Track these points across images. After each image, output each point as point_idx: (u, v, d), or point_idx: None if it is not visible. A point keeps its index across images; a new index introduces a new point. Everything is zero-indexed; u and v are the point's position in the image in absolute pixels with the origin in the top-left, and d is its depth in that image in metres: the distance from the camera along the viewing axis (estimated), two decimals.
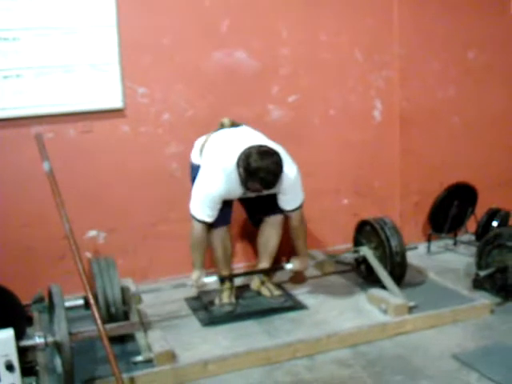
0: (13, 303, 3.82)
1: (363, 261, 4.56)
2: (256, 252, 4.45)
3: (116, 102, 4.45)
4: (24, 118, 4.24)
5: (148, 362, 3.43)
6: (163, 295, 4.36)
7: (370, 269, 4.47)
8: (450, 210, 5.20)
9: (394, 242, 4.33)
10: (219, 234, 4.13)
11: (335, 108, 5.10)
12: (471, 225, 5.31)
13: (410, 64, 5.22)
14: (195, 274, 4.06)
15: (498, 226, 5.04)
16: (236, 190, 3.88)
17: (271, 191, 3.92)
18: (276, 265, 4.40)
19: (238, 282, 4.47)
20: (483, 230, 5.06)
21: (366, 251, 4.49)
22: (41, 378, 3.34)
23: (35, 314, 4.14)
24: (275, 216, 4.23)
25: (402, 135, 5.28)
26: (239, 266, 4.89)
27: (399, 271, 4.35)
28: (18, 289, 3.92)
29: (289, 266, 4.30)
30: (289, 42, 4.84)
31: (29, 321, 4.04)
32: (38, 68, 4.24)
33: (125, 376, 3.22)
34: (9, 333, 3.02)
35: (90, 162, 4.44)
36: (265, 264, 4.33)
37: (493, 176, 5.62)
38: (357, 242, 4.69)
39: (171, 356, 3.46)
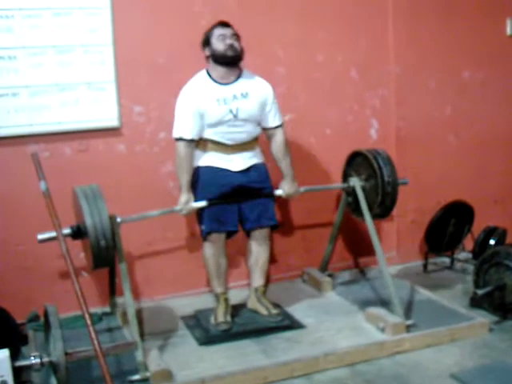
0: (7, 322, 3.80)
1: (352, 193, 4.56)
2: None
3: (112, 121, 4.47)
4: (20, 136, 4.25)
5: (144, 381, 3.41)
6: (160, 313, 4.34)
7: (358, 201, 4.47)
8: (446, 229, 5.19)
9: (386, 172, 4.33)
10: (213, 248, 4.15)
11: (331, 127, 5.12)
12: (468, 243, 5.30)
13: (405, 83, 5.25)
14: (183, 197, 4.06)
15: (496, 244, 5.03)
16: (211, 92, 4.00)
17: (257, 96, 4.09)
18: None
19: (234, 300, 4.45)
20: (480, 248, 5.06)
21: (356, 182, 4.47)
22: None
23: (30, 333, 4.10)
24: (262, 230, 4.26)
25: (399, 154, 5.28)
26: (237, 283, 4.86)
27: (389, 201, 4.38)
28: (13, 307, 3.92)
29: (279, 192, 4.29)
30: (285, 60, 4.87)
31: (24, 339, 4.01)
32: (34, 87, 4.25)
33: None
34: (4, 353, 3.01)
35: (86, 180, 4.37)
36: (259, 281, 4.33)
37: (489, 194, 5.64)
38: (346, 176, 4.68)
39: (168, 375, 3.44)
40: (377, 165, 4.35)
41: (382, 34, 5.15)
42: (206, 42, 4.06)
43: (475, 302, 4.40)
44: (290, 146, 4.74)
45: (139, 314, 4.36)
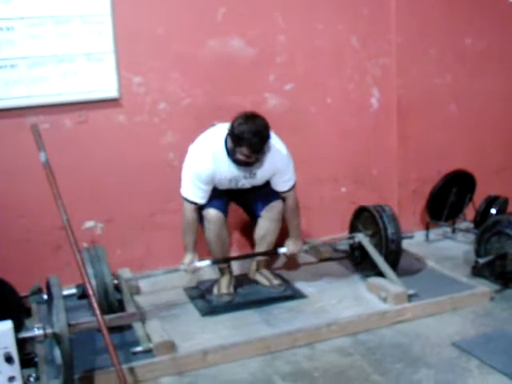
0: (10, 295, 3.82)
1: (358, 247, 4.54)
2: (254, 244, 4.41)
3: (112, 92, 4.43)
4: (19, 108, 4.21)
5: (147, 352, 3.42)
6: (162, 285, 4.38)
7: (363, 255, 4.46)
8: (448, 198, 5.19)
9: (390, 230, 4.31)
10: (215, 227, 4.06)
11: (332, 96, 5.08)
12: (469, 212, 5.32)
13: (406, 51, 5.20)
14: (187, 258, 4.05)
15: (497, 213, 5.04)
16: (224, 171, 3.88)
17: (266, 174, 3.97)
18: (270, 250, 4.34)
19: (236, 271, 4.47)
20: (482, 217, 5.06)
21: (362, 238, 4.47)
22: (40, 370, 3.32)
23: (33, 306, 4.13)
24: (273, 205, 4.17)
25: (400, 123, 5.27)
26: (236, 254, 4.84)
27: (393, 259, 4.34)
28: (16, 280, 3.93)
29: (283, 250, 4.29)
30: (285, 29, 4.81)
31: (27, 312, 4.04)
32: (33, 58, 4.20)
33: (124, 366, 3.22)
34: (7, 325, 3.01)
35: (86, 152, 4.42)
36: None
37: (491, 163, 5.63)
38: (353, 228, 4.68)
39: (171, 346, 3.45)
40: (381, 223, 4.34)
41: (384, 2, 5.09)
42: (231, 137, 3.77)
43: (476, 271, 4.42)
44: (290, 115, 4.76)
45: (141, 285, 4.39)
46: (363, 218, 4.58)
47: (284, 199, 4.16)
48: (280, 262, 4.75)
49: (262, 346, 3.58)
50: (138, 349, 3.44)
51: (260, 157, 3.85)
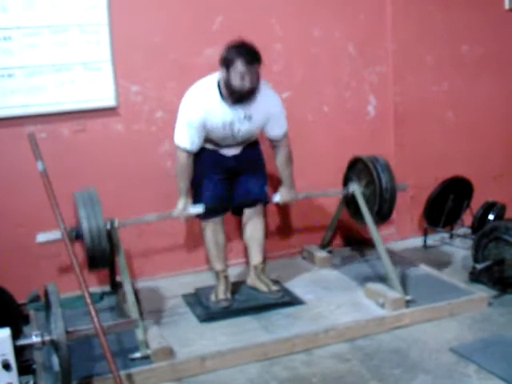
0: (8, 302, 3.81)
1: (352, 198, 4.56)
2: None
3: (109, 101, 4.45)
4: (16, 117, 4.23)
5: (146, 359, 3.42)
6: (160, 291, 4.39)
7: (358, 206, 4.49)
8: (445, 204, 5.19)
9: (384, 179, 4.34)
10: (211, 226, 4.17)
11: (329, 104, 5.11)
12: (467, 218, 5.32)
13: (403, 59, 5.23)
14: (181, 203, 4.09)
15: (494, 219, 5.05)
16: (218, 114, 3.88)
17: (261, 118, 3.98)
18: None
19: (234, 277, 4.48)
20: (479, 223, 5.07)
21: (356, 188, 4.49)
22: (38, 377, 3.33)
23: (31, 313, 4.13)
24: (255, 208, 4.28)
25: (396, 130, 5.29)
26: (236, 261, 4.88)
27: (387, 207, 4.39)
28: (14, 288, 3.92)
29: (276, 198, 4.31)
30: (282, 37, 4.85)
31: (25, 319, 4.03)
32: (30, 67, 4.22)
33: (122, 373, 3.21)
34: (5, 332, 3.01)
35: (83, 161, 4.43)
36: (257, 258, 4.34)
37: (488, 169, 5.64)
38: (347, 179, 4.69)
39: (169, 352, 3.45)
40: (375, 172, 4.35)
41: (380, 8, 5.13)
42: (224, 64, 3.79)
43: (474, 277, 4.42)
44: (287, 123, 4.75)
45: (139, 292, 4.38)
46: (357, 169, 4.60)
47: (278, 147, 4.17)
48: (281, 269, 4.74)
49: (259, 352, 3.57)
50: (137, 355, 3.44)
51: (254, 80, 3.79)
